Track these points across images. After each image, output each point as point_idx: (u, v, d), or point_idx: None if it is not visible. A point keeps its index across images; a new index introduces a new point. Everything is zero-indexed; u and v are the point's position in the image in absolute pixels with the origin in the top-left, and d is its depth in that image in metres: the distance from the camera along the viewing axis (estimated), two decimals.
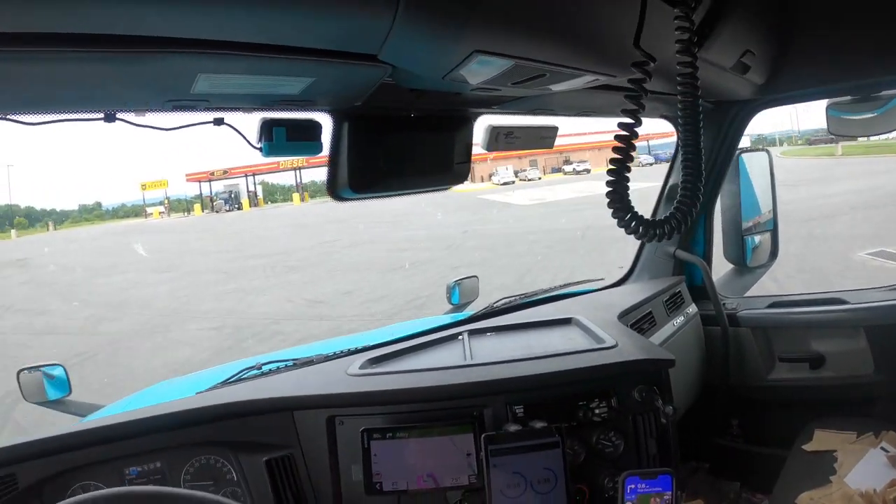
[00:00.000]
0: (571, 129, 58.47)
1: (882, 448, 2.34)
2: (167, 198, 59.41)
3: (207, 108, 1.38)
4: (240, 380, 2.07)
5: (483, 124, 1.81)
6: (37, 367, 2.53)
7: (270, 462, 1.77)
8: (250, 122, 1.50)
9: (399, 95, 1.45)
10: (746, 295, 3.03)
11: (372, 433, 1.72)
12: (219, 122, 1.44)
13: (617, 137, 1.24)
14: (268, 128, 1.46)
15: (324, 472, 1.79)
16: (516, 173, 51.67)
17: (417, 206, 31.35)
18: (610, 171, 1.24)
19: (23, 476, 1.65)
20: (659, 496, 1.64)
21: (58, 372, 2.56)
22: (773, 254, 3.15)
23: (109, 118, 1.33)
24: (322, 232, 24.95)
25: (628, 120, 1.24)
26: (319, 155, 1.60)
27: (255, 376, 2.08)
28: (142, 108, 1.34)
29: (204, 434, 1.76)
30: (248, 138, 1.49)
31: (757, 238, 3.08)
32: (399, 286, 12.08)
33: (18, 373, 2.53)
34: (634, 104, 1.24)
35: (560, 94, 1.60)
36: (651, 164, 49.99)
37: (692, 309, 2.86)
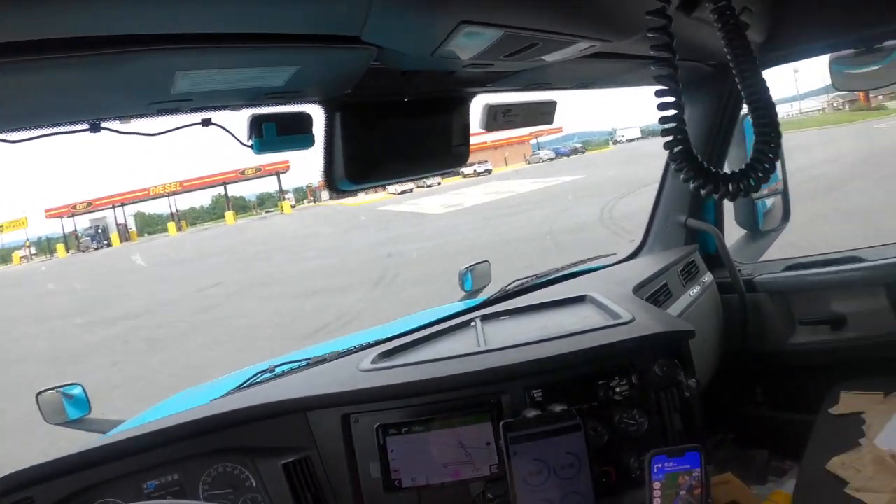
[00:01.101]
0: None
1: None
2: (28, 239, 53.08)
3: (193, 109, 1.36)
4: (254, 384, 2.07)
5: (480, 104, 1.79)
6: (55, 388, 2.44)
7: (288, 465, 1.75)
8: (241, 120, 1.45)
9: (389, 79, 1.46)
10: (761, 259, 3.04)
11: (387, 429, 1.72)
12: (207, 122, 1.41)
13: (659, 106, 1.23)
14: (257, 124, 1.43)
15: (342, 473, 1.78)
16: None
17: (313, 227, 28.80)
18: (668, 143, 1.23)
19: (40, 498, 1.65)
20: (687, 473, 1.59)
21: (76, 391, 2.49)
22: (786, 216, 3.16)
23: (94, 128, 1.30)
24: (200, 271, 20.60)
25: (662, 85, 1.23)
26: (312, 147, 1.53)
27: (269, 379, 2.09)
28: (126, 114, 1.32)
29: (219, 442, 1.76)
30: (238, 137, 1.45)
31: (768, 201, 3.07)
32: None
33: (38, 395, 2.42)
34: (665, 62, 1.21)
35: (557, 66, 1.59)
36: (552, 159, 51.10)
37: (707, 278, 2.87)
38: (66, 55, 0.91)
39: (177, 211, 52.62)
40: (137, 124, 1.33)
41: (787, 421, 2.84)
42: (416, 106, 1.63)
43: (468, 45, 1.21)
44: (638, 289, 2.34)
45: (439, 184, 46.74)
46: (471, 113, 1.78)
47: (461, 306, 2.72)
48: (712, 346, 2.70)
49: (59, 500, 1.67)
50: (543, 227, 16.07)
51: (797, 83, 59.15)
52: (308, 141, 1.49)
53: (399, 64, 1.35)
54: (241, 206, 59.41)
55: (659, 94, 1.22)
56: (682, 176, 1.22)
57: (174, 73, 1.08)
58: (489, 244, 14.90)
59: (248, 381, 2.14)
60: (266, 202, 59.48)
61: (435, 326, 2.24)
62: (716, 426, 2.86)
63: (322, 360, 2.16)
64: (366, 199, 44.97)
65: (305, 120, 1.48)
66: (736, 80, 1.24)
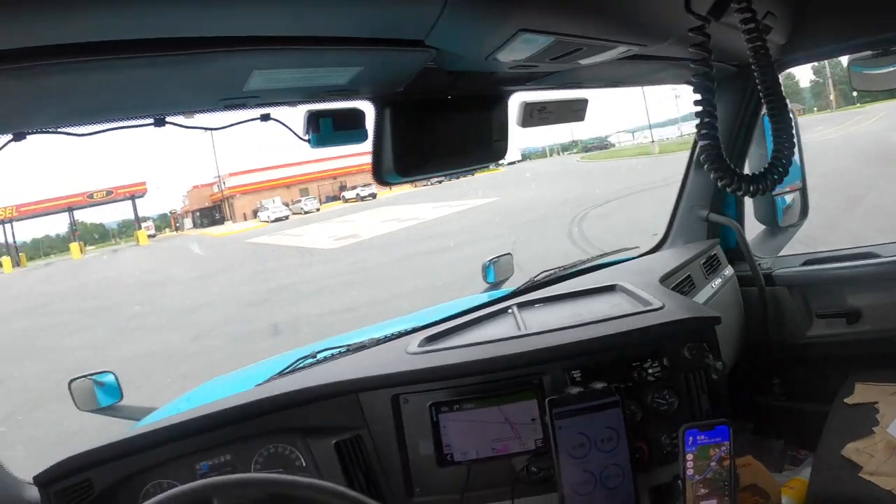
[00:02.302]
0: (344, 150, 48.10)
1: None
2: None
3: (258, 105, 1.51)
4: (297, 369, 2.20)
5: (516, 102, 1.94)
6: (87, 376, 2.48)
7: (339, 444, 1.90)
8: (294, 115, 1.60)
9: (438, 78, 1.57)
10: (780, 254, 3.18)
11: (440, 406, 1.87)
12: (265, 117, 1.55)
13: (696, 102, 1.39)
14: (314, 119, 1.54)
15: (391, 450, 1.92)
16: (287, 206, 41.82)
17: (165, 268, 21.76)
18: (701, 137, 1.40)
19: (97, 480, 1.77)
20: (717, 446, 1.71)
21: (108, 379, 2.52)
22: (804, 212, 3.27)
23: (159, 122, 1.41)
24: None
25: (699, 94, 1.38)
26: (364, 142, 1.65)
27: (312, 364, 2.22)
28: (193, 108, 1.45)
29: (272, 423, 1.90)
30: (295, 131, 1.58)
31: (787, 198, 3.14)
32: None
33: (70, 382, 2.46)
34: (703, 66, 1.37)
35: (590, 67, 1.73)
36: (440, 182, 41.49)
37: (728, 271, 3.09)
38: (145, 55, 0.98)
39: (14, 242, 43.74)
40: (200, 118, 1.45)
41: (804, 411, 2.93)
42: (459, 103, 1.73)
43: (520, 49, 1.30)
44: (664, 279, 2.49)
45: (318, 209, 41.63)
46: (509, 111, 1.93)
47: (485, 297, 2.86)
48: (733, 337, 2.90)
49: (116, 482, 1.79)
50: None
51: (678, 107, 60.22)
52: (362, 136, 1.60)
53: (451, 65, 1.46)
54: (102, 235, 51.86)
55: (696, 93, 1.38)
56: (711, 174, 1.39)
57: (250, 72, 1.19)
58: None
59: (290, 366, 2.25)
60: (129, 229, 51.28)
61: (473, 314, 2.38)
62: (734, 415, 2.51)
63: (362, 347, 2.28)
64: (235, 229, 39.60)
65: (360, 116, 1.59)
66: (757, 82, 1.39)
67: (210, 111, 1.41)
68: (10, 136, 1.23)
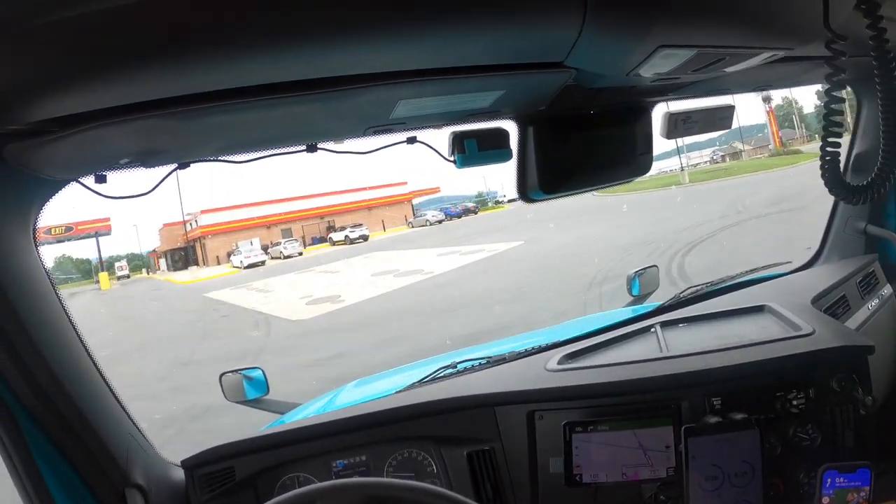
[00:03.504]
0: (334, 186, 49.96)
1: None
2: None
3: (403, 129, 1.59)
4: (436, 379, 2.19)
5: (659, 113, 1.92)
6: (237, 370, 2.57)
7: (471, 455, 1.90)
8: (437, 137, 1.70)
9: (579, 95, 1.59)
10: None
11: (574, 426, 1.85)
12: (412, 140, 1.61)
13: (825, 116, 1.33)
14: (459, 141, 1.59)
15: (522, 465, 1.91)
16: (266, 249, 36.87)
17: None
18: (825, 148, 1.32)
19: (239, 469, 1.84)
20: (856, 491, 1.62)
21: (256, 374, 2.59)
22: None
23: (311, 149, 1.52)
24: None
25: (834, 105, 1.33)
26: (509, 161, 1.68)
27: (452, 375, 2.21)
28: (341, 136, 1.54)
29: (408, 430, 1.93)
30: (440, 152, 1.63)
31: None
32: None
33: (221, 376, 2.55)
34: (834, 80, 1.31)
35: (735, 73, 1.66)
36: (440, 221, 41.67)
37: (887, 290, 2.78)
38: (301, 94, 1.07)
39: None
40: (350, 144, 1.51)
41: None
42: (601, 118, 1.73)
43: (661, 64, 1.28)
44: (816, 300, 2.34)
45: (301, 254, 36.65)
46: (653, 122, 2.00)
47: (629, 312, 2.81)
48: (887, 367, 2.52)
49: (256, 472, 1.85)
50: None
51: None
52: (506, 155, 1.62)
53: (591, 83, 1.47)
54: (86, 271, 47.29)
55: (827, 94, 1.39)
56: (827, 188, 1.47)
57: (396, 102, 1.28)
58: None
59: (429, 375, 2.23)
60: (110, 268, 45.57)
61: (615, 331, 2.32)
62: (881, 455, 2.31)
63: (502, 360, 2.23)
64: (200, 276, 34.73)
65: (504, 136, 1.62)
66: (878, 90, 1.33)
67: (357, 138, 1.50)
68: (175, 165, 1.35)
